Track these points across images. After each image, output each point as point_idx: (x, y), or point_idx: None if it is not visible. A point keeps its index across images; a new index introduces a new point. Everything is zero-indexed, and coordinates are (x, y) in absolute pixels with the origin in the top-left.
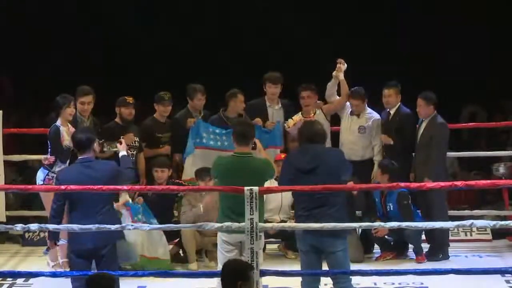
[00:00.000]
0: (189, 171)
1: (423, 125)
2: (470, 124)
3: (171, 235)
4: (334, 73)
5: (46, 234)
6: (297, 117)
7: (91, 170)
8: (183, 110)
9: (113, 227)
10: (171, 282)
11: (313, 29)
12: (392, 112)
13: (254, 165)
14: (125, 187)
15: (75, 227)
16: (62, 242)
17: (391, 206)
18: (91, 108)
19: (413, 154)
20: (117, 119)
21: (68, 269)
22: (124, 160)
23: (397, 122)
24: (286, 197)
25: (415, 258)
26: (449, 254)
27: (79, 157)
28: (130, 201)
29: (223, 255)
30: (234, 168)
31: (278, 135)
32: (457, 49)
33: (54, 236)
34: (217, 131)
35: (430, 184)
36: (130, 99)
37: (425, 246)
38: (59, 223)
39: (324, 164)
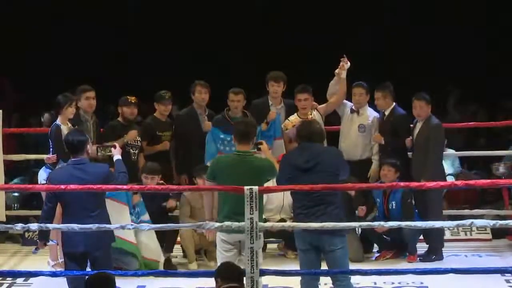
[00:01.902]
0: None
1: (418, 125)
2: (470, 124)
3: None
4: (336, 71)
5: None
6: (294, 118)
7: (83, 172)
8: (187, 108)
9: (112, 226)
10: (171, 281)
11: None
12: (386, 113)
13: (255, 164)
14: (124, 186)
15: (75, 227)
16: (52, 242)
17: (394, 205)
18: (95, 106)
19: (409, 154)
20: (119, 119)
21: None
22: (118, 165)
23: (391, 123)
24: (287, 197)
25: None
26: (449, 254)
27: (71, 159)
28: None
29: (222, 254)
30: (235, 166)
31: (279, 127)
32: (456, 48)
33: (44, 236)
34: (228, 138)
35: (430, 183)
36: (132, 99)
37: (425, 246)
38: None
39: (322, 163)
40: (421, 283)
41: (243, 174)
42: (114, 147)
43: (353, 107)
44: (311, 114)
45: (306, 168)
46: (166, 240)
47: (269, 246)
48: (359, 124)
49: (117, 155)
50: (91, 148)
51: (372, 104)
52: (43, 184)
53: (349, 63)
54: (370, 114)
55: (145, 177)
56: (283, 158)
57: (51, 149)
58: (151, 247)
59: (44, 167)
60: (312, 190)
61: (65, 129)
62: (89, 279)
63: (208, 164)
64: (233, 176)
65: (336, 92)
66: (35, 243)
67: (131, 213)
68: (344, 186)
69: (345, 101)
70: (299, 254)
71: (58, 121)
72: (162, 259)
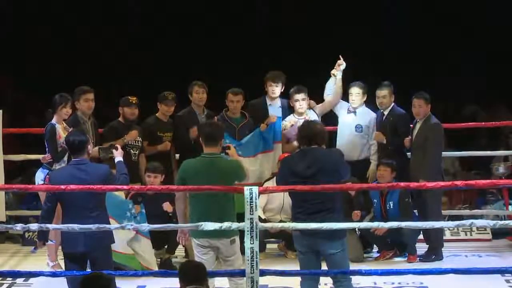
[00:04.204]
0: None
1: (418, 125)
2: (470, 124)
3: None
4: (332, 71)
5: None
6: (292, 118)
7: (83, 173)
8: (186, 109)
9: (112, 227)
10: (171, 281)
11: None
12: (386, 112)
13: (222, 166)
14: (124, 186)
15: (75, 227)
16: (51, 242)
17: (391, 205)
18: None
19: (408, 154)
20: (120, 119)
21: None
22: (119, 166)
23: (391, 122)
24: (288, 197)
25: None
26: (449, 254)
27: (72, 159)
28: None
29: (199, 258)
30: (203, 169)
31: (279, 131)
32: (456, 48)
33: (43, 236)
34: (228, 141)
35: (430, 184)
36: (133, 99)
37: (425, 246)
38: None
39: (324, 170)
40: (421, 283)
41: (212, 177)
42: (116, 148)
43: (350, 107)
44: (307, 115)
45: (306, 175)
46: (170, 241)
47: (269, 246)
48: (356, 125)
49: (118, 156)
50: (92, 148)
51: (369, 104)
52: (40, 184)
53: (344, 64)
54: (368, 114)
55: (148, 175)
56: (283, 161)
57: (47, 149)
58: (145, 257)
59: (41, 167)
60: (311, 197)
61: (60, 128)
62: (83, 280)
63: None
64: (203, 179)
65: (332, 93)
66: (35, 243)
67: (134, 216)
68: (344, 186)
69: (342, 101)
70: (299, 256)
71: (54, 121)
72: (156, 268)
